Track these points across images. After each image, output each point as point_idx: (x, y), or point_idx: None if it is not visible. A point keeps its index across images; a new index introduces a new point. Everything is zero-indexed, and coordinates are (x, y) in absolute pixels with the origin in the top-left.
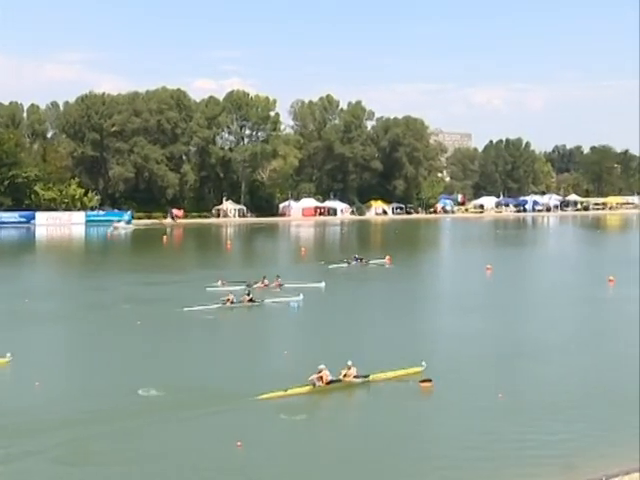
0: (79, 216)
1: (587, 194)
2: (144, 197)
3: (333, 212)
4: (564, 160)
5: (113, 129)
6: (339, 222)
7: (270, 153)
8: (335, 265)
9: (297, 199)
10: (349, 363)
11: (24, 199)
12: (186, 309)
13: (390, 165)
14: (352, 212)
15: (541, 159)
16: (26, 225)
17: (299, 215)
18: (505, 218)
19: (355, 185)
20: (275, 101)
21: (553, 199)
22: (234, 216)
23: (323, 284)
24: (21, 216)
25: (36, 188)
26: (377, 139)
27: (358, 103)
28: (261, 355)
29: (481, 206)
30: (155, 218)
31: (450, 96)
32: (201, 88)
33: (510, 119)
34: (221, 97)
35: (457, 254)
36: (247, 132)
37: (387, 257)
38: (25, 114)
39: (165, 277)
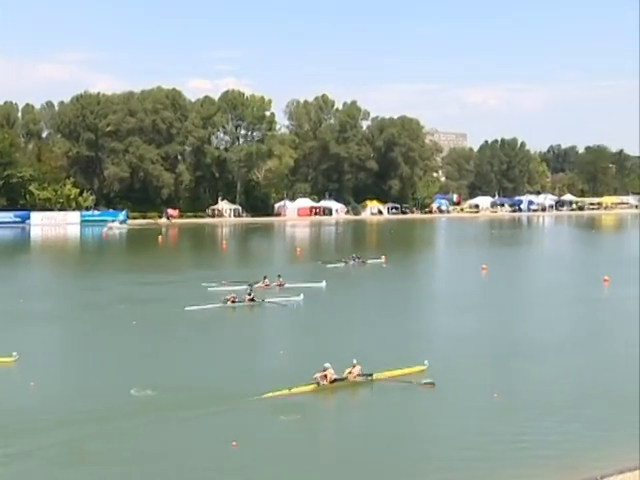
0: (74, 216)
1: (582, 194)
2: (139, 197)
3: (328, 212)
4: (559, 160)
5: (108, 129)
6: (334, 222)
7: (265, 153)
8: (333, 265)
9: (292, 199)
10: (354, 361)
11: (19, 199)
12: (187, 308)
13: (385, 165)
14: (347, 212)
15: (536, 159)
16: (21, 225)
17: (294, 215)
18: (500, 218)
19: (350, 185)
20: (270, 101)
21: (548, 199)
22: (229, 216)
23: (324, 284)
24: (16, 216)
25: (31, 188)
26: (372, 139)
27: (353, 103)
28: (260, 354)
29: (476, 206)
30: (150, 218)
31: (445, 96)
32: (196, 88)
33: (505, 119)
34: (216, 97)
35: (452, 254)
36: (242, 132)
37: (382, 257)
38: (20, 114)
39: (160, 277)
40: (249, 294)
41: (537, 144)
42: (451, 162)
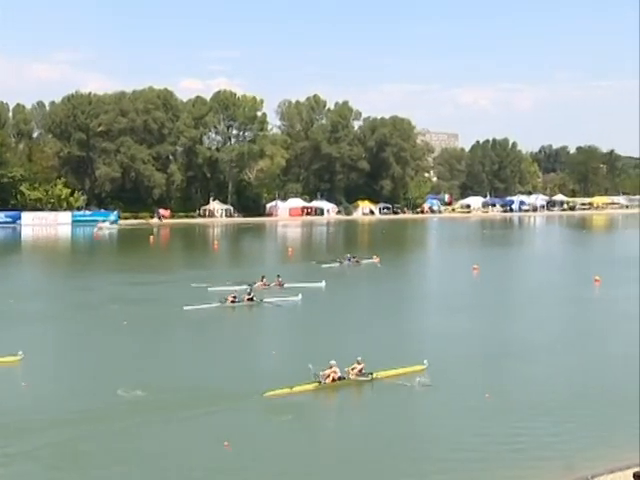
0: (65, 216)
1: (573, 194)
2: (131, 197)
3: (320, 212)
4: (550, 160)
5: (99, 129)
6: (326, 222)
7: (257, 153)
8: (328, 265)
9: (284, 199)
10: (359, 359)
11: (10, 199)
12: (185, 308)
13: (377, 165)
14: (339, 212)
15: (527, 159)
16: (12, 225)
17: (286, 215)
18: (492, 218)
19: (342, 185)
20: (262, 101)
21: (539, 199)
22: (221, 216)
23: (323, 283)
24: (7, 216)
25: (22, 188)
26: (364, 139)
27: (345, 103)
28: (256, 354)
29: (468, 206)
30: (142, 218)
31: (437, 96)
32: (188, 88)
33: (497, 119)
34: (208, 97)
35: (444, 254)
36: (234, 132)
37: (374, 257)
38: (11, 114)
39: (152, 277)
40: (248, 294)
41: (528, 144)
42: (443, 162)
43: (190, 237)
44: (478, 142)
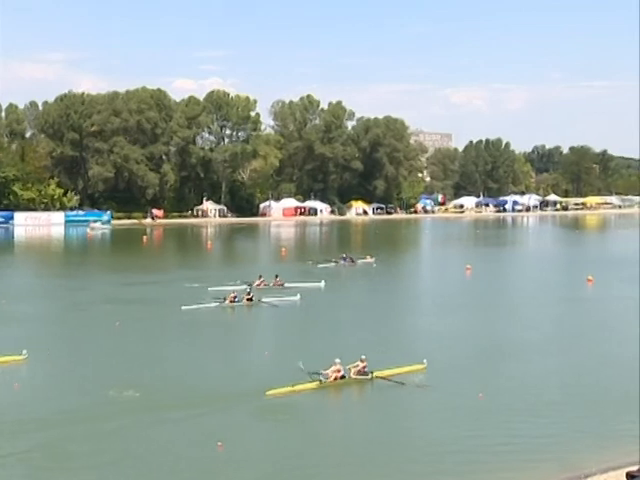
0: (58, 216)
1: (566, 194)
2: (124, 197)
3: (313, 212)
4: (543, 160)
5: (92, 129)
6: (319, 222)
7: (250, 153)
8: (324, 265)
9: (277, 199)
10: (362, 357)
11: (2, 199)
12: (184, 308)
13: (370, 165)
14: (332, 212)
15: (521, 159)
16: (4, 225)
17: (279, 215)
18: (485, 218)
19: (335, 185)
20: (255, 101)
21: (533, 199)
22: (214, 216)
23: (323, 283)
24: None
25: (14, 188)
26: (357, 139)
27: (338, 103)
28: (257, 353)
29: (461, 206)
30: (135, 218)
31: (430, 96)
32: (181, 88)
33: (490, 119)
34: (201, 97)
35: (438, 254)
36: (227, 132)
37: (367, 257)
38: (3, 113)
39: (145, 277)
40: (248, 294)
41: (521, 144)
42: (436, 162)
43: (183, 237)
44: (471, 142)
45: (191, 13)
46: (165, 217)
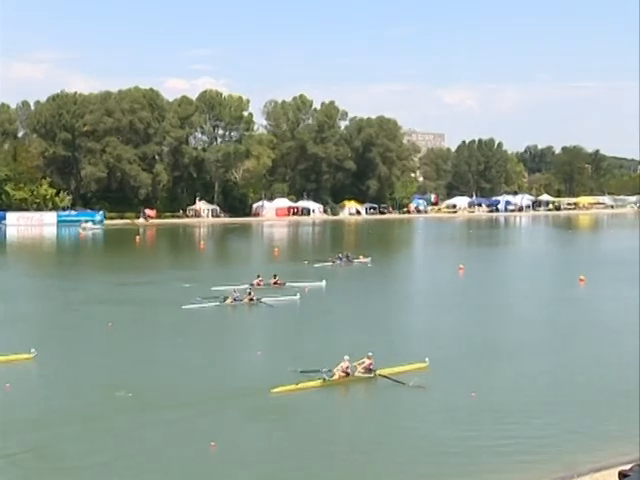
0: (51, 216)
1: (559, 194)
2: (116, 197)
3: (306, 212)
4: (536, 160)
5: (85, 129)
6: (312, 222)
7: (243, 153)
8: (320, 264)
9: (270, 199)
10: (369, 354)
11: None
12: (184, 307)
13: (363, 165)
14: (325, 212)
15: (513, 159)
16: None
17: (272, 215)
18: (478, 218)
19: (328, 185)
20: (248, 101)
21: (525, 199)
22: (207, 216)
23: (324, 283)
24: None
25: (7, 188)
26: (350, 139)
27: (331, 103)
28: (257, 353)
29: (454, 206)
30: (128, 218)
31: (423, 96)
32: (173, 88)
33: (483, 119)
34: (194, 97)
35: (431, 254)
36: (220, 132)
37: (361, 257)
38: None
39: (139, 277)
40: (249, 293)
41: (514, 144)
42: (429, 162)
43: (176, 237)
44: (464, 142)
45: (183, 12)
46: (158, 217)
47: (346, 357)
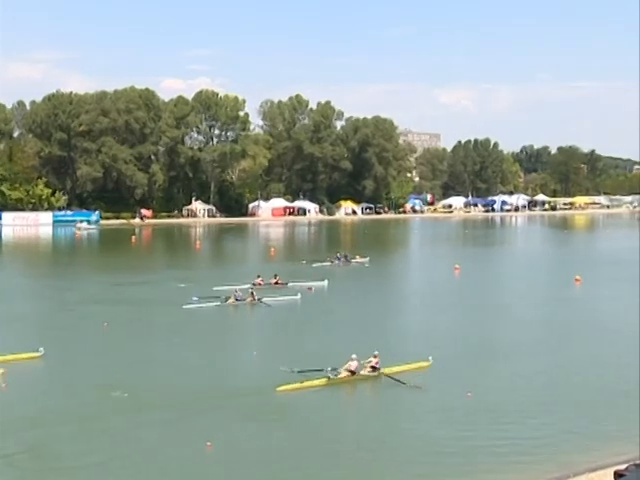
0: (46, 216)
1: (554, 194)
2: (112, 197)
3: (303, 212)
4: (531, 160)
5: (81, 129)
6: (308, 222)
7: (239, 153)
8: (319, 264)
9: (266, 199)
10: (375, 353)
11: None
12: (185, 307)
13: (359, 165)
14: (322, 212)
15: (509, 159)
16: None
17: (268, 215)
18: (473, 218)
19: (324, 185)
20: (244, 101)
21: (521, 199)
22: (203, 216)
23: (326, 282)
24: None
25: (2, 188)
26: (346, 139)
27: (327, 103)
28: (256, 353)
29: (450, 206)
30: (124, 218)
31: (419, 97)
32: (169, 88)
33: (478, 119)
34: (190, 97)
35: (427, 254)
36: (216, 132)
37: (357, 256)
38: None
39: (134, 277)
40: (252, 293)
41: (510, 144)
42: (425, 162)
43: (172, 237)
44: (460, 142)
45: (182, 12)
46: (154, 217)
47: (354, 356)
